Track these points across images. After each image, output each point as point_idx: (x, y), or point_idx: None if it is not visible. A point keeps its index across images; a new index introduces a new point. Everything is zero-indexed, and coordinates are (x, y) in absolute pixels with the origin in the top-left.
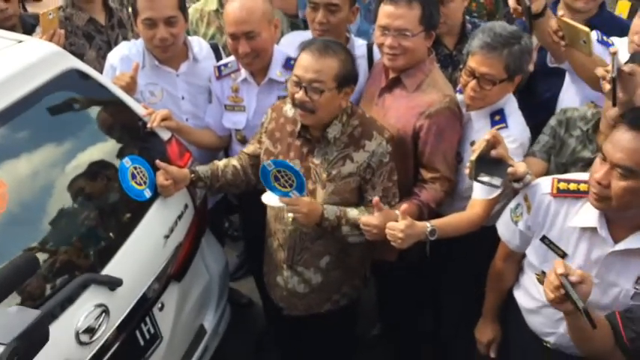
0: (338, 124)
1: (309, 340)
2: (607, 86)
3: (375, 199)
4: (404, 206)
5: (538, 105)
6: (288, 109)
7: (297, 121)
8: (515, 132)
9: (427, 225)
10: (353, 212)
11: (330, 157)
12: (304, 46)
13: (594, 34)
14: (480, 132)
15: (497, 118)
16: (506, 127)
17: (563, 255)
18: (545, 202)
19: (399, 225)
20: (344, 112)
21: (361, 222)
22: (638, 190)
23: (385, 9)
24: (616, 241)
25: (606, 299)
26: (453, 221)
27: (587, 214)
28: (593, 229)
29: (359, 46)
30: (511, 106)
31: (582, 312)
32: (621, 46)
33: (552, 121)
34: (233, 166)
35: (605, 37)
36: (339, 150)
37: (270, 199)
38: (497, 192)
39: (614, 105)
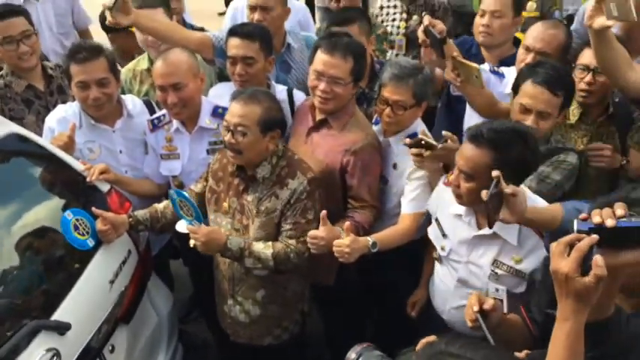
0: (267, 165)
1: None
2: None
3: (323, 213)
4: (347, 223)
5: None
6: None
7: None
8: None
9: (368, 239)
10: (258, 245)
11: (260, 195)
12: (235, 95)
13: (487, 66)
14: (400, 155)
15: None
16: None
17: (444, 235)
18: (440, 190)
19: (344, 241)
20: (274, 154)
21: (309, 235)
22: (478, 190)
23: (322, 57)
24: (480, 227)
25: (473, 278)
26: (389, 234)
27: (457, 205)
28: (461, 216)
29: (280, 91)
30: (422, 129)
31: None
32: (512, 75)
33: None
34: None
35: (496, 68)
36: (268, 188)
37: (181, 226)
38: (424, 208)
39: (490, 226)
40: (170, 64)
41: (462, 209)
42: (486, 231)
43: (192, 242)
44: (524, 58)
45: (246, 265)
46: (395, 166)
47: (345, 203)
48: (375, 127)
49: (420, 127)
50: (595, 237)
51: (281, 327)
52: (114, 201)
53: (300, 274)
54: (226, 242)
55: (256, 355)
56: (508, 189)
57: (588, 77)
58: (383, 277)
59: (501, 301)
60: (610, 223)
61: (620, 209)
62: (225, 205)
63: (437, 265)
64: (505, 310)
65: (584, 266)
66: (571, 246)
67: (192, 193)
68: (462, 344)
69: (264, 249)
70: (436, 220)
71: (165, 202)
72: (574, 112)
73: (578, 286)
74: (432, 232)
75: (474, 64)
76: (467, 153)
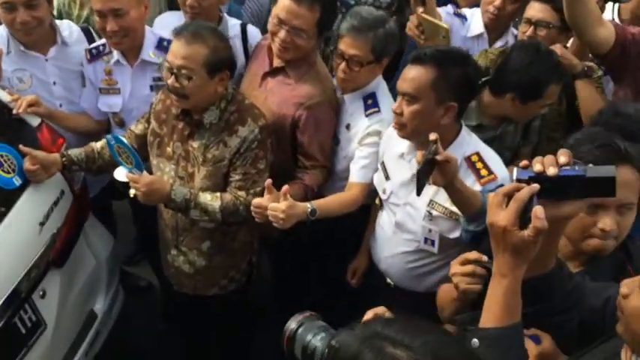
0: (215, 110)
1: (204, 318)
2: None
3: (268, 181)
4: (285, 187)
5: None
6: None
7: None
8: (387, 115)
9: (308, 205)
10: (205, 197)
11: (206, 142)
12: (176, 32)
13: (450, 8)
14: (354, 115)
15: (370, 102)
16: (379, 111)
17: (387, 177)
18: (389, 132)
19: (280, 206)
20: (223, 98)
21: (253, 203)
22: (421, 113)
23: (286, 3)
24: None
25: (409, 221)
26: (332, 202)
27: (403, 143)
28: (403, 155)
29: (232, 25)
30: (382, 90)
31: None
32: (474, 16)
33: None
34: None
35: (458, 10)
36: (215, 135)
37: (119, 174)
38: (371, 178)
39: (418, 193)
40: None
41: (404, 147)
42: None
43: (132, 192)
44: (491, 0)
45: (192, 217)
46: (348, 126)
47: (295, 159)
48: (333, 80)
49: (380, 86)
50: (535, 186)
51: (227, 277)
52: (45, 137)
53: (249, 225)
54: (170, 192)
55: (201, 302)
56: (441, 156)
57: (530, 31)
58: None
59: (433, 242)
60: (552, 171)
61: (563, 156)
62: (169, 150)
63: (379, 213)
64: (436, 251)
65: (524, 218)
66: (509, 197)
67: (132, 134)
68: (399, 327)
69: (212, 201)
70: (382, 163)
71: (102, 141)
72: None
73: (515, 240)
74: (377, 177)
75: (443, 24)
76: (410, 74)
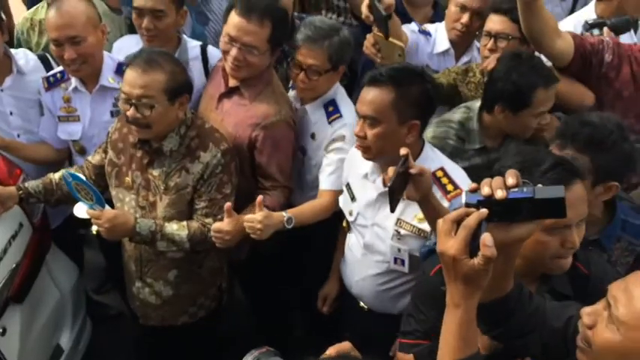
0: (175, 137)
1: (173, 349)
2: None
3: (228, 205)
4: (259, 197)
5: None
6: None
7: None
8: (350, 119)
9: (283, 214)
10: (171, 227)
11: (167, 170)
12: (130, 62)
13: (414, 26)
14: (318, 124)
15: (331, 109)
16: (341, 116)
17: (352, 197)
18: (352, 153)
19: (256, 216)
20: (182, 123)
21: (212, 229)
22: (385, 134)
23: (236, 20)
24: (385, 185)
25: (378, 242)
26: (306, 209)
27: (367, 163)
28: (367, 175)
29: (192, 47)
30: (341, 95)
31: None
32: (439, 32)
33: None
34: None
35: (423, 27)
36: (176, 162)
37: (79, 210)
38: (342, 185)
39: (392, 210)
40: (65, 14)
41: (368, 167)
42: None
43: (94, 228)
44: (458, 17)
45: (159, 249)
46: (313, 136)
47: (255, 181)
48: (291, 93)
49: (339, 92)
50: (484, 212)
51: (196, 305)
52: (1, 169)
53: (216, 250)
54: (135, 226)
55: (169, 332)
56: (415, 169)
57: (490, 43)
58: (298, 257)
59: (403, 262)
60: (500, 194)
61: (511, 178)
62: (128, 179)
63: (348, 235)
64: (406, 270)
65: (473, 245)
66: (458, 223)
67: (90, 165)
68: None
69: (179, 230)
70: (347, 185)
71: (61, 172)
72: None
73: (466, 269)
74: (342, 199)
75: (398, 43)
76: (368, 96)
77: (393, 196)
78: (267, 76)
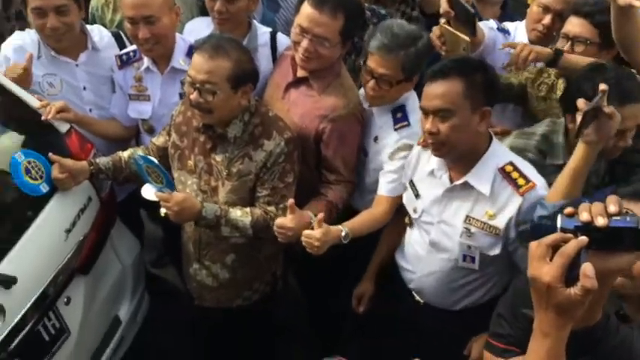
0: (238, 123)
1: (226, 330)
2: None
3: (291, 201)
4: (321, 215)
5: None
6: None
7: None
8: (417, 129)
9: (341, 229)
10: (235, 213)
11: (230, 156)
12: (198, 46)
13: (493, 23)
14: (383, 128)
15: (399, 115)
16: (409, 124)
17: (417, 195)
18: (415, 151)
19: (315, 233)
20: (246, 110)
21: (275, 224)
22: (460, 125)
23: (308, 11)
24: (452, 182)
25: (445, 239)
26: (363, 221)
27: (432, 160)
28: (433, 171)
29: (262, 33)
30: (412, 103)
31: None
32: (518, 30)
33: None
34: (142, 153)
35: (502, 25)
36: (240, 148)
37: (147, 192)
38: (402, 191)
39: (576, 137)
40: None
41: (434, 164)
42: (458, 182)
43: (162, 211)
44: (540, 17)
45: (223, 234)
46: (376, 139)
47: (319, 173)
48: (361, 91)
49: (410, 99)
50: (584, 240)
51: (251, 289)
52: (73, 143)
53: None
54: (201, 210)
55: (223, 314)
56: (608, 109)
57: (567, 46)
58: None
59: (473, 259)
60: (601, 222)
61: (613, 205)
62: (191, 163)
63: (408, 231)
64: (476, 267)
65: (570, 274)
66: (554, 248)
67: (154, 147)
68: None
69: (242, 217)
70: (410, 182)
71: (130, 151)
72: (560, 87)
73: (561, 298)
74: (406, 196)
75: (464, 36)
76: (437, 89)
77: (581, 126)
78: (337, 67)
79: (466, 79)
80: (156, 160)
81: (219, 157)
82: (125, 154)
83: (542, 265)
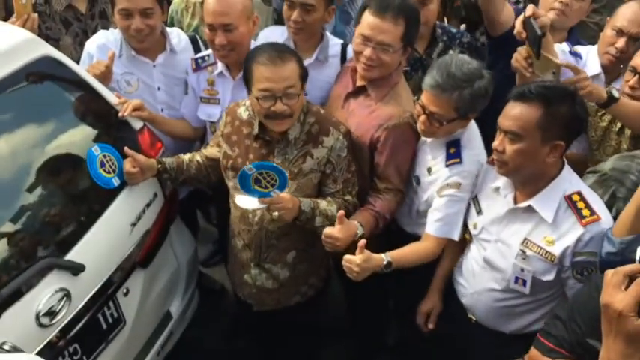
0: (297, 124)
1: (278, 330)
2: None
3: (340, 212)
4: (362, 241)
5: None
6: (243, 112)
7: (253, 124)
8: (469, 167)
9: (383, 257)
10: (323, 204)
11: (290, 157)
12: (258, 59)
13: (566, 47)
14: (436, 160)
15: (452, 151)
16: (461, 162)
17: (479, 211)
18: (484, 169)
19: (355, 259)
20: (301, 110)
21: (324, 233)
22: (526, 152)
23: (370, 20)
24: (516, 203)
25: (500, 258)
26: (408, 254)
27: (500, 177)
28: (498, 189)
29: (333, 45)
30: (468, 137)
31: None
32: (590, 54)
33: None
34: (197, 161)
35: (574, 49)
36: (299, 148)
37: (247, 202)
38: (451, 234)
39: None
40: (223, 2)
41: (501, 182)
42: (522, 204)
43: (275, 214)
44: (613, 41)
45: (316, 225)
46: (429, 171)
47: (372, 184)
48: None
49: (466, 132)
50: None
51: (307, 283)
52: (145, 140)
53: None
54: (300, 205)
55: (276, 315)
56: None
57: (633, 80)
58: None
59: (524, 282)
60: None
61: None
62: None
63: (468, 246)
64: (527, 291)
65: None
66: (631, 278)
67: (204, 156)
68: None
69: (328, 206)
70: (474, 198)
71: (189, 155)
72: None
73: (631, 327)
74: (468, 213)
75: (555, 59)
76: (514, 111)
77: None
78: (396, 77)
79: (546, 109)
80: (272, 163)
81: (278, 160)
82: (186, 158)
83: (616, 293)
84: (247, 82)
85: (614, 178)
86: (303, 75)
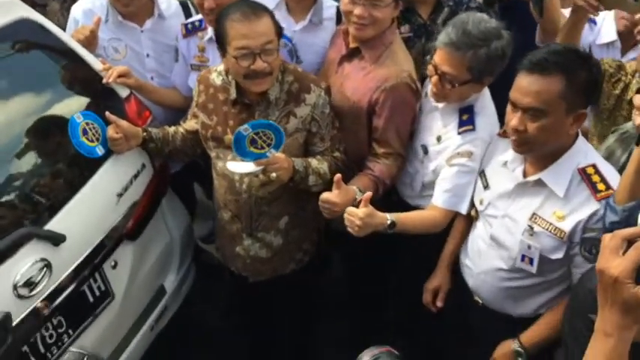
0: (276, 84)
1: (278, 302)
2: None
3: (337, 176)
4: (367, 194)
5: None
6: (216, 77)
7: (229, 89)
8: (482, 135)
9: (387, 217)
10: (314, 162)
11: (272, 118)
12: (231, 16)
13: None
14: (447, 128)
15: (465, 117)
16: (474, 129)
17: (485, 186)
18: (493, 141)
19: (358, 212)
20: (279, 70)
21: (320, 199)
22: (551, 127)
23: None
24: (525, 177)
25: (506, 235)
26: (413, 218)
27: (509, 151)
28: (506, 163)
29: (328, 7)
30: (482, 103)
31: None
32: (605, 20)
33: None
34: (181, 133)
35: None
36: (280, 109)
37: (240, 167)
38: (459, 207)
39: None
40: None
41: (509, 155)
42: (532, 178)
43: (273, 175)
44: None
45: (309, 184)
46: (439, 139)
47: (370, 148)
48: (429, 85)
49: (480, 99)
50: None
51: (302, 250)
52: (132, 108)
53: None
54: (293, 165)
55: (273, 287)
56: None
57: None
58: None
59: (531, 260)
60: None
61: None
62: (228, 137)
63: (474, 224)
64: (534, 270)
65: None
66: (630, 242)
67: (184, 130)
68: None
69: (319, 164)
70: (481, 172)
71: (174, 127)
72: (633, 88)
73: (627, 295)
74: (475, 187)
75: None
76: (533, 86)
77: None
78: (390, 35)
79: (567, 78)
80: (268, 120)
81: None
82: (171, 129)
83: (613, 258)
84: (221, 43)
85: (635, 136)
86: (279, 31)
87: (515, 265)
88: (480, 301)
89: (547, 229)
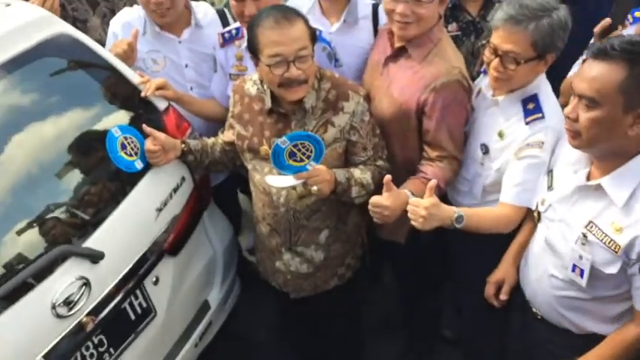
0: (312, 92)
1: (322, 319)
2: None
3: (387, 177)
4: (433, 181)
5: None
6: (250, 87)
7: (264, 98)
8: (553, 122)
9: (455, 210)
10: (356, 172)
11: (309, 127)
12: (263, 24)
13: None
14: (511, 121)
15: (531, 106)
16: (543, 117)
17: (550, 186)
18: (562, 138)
19: (423, 202)
20: (315, 76)
21: (370, 202)
22: (603, 121)
23: None
24: (589, 180)
25: (560, 241)
26: (484, 214)
27: (575, 151)
28: (572, 163)
29: (363, 5)
30: (545, 91)
31: None
32: None
33: None
34: (220, 144)
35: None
36: (317, 117)
37: (280, 181)
38: (531, 203)
39: None
40: None
41: (574, 155)
42: (592, 182)
43: (314, 189)
44: None
45: (352, 196)
46: (501, 134)
47: (421, 152)
48: (483, 81)
49: (542, 86)
50: None
51: (344, 265)
52: (170, 121)
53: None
54: (335, 177)
55: (316, 303)
56: None
57: None
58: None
59: (582, 272)
60: None
61: None
62: (265, 148)
63: (535, 228)
64: (583, 284)
65: None
66: None
67: (223, 142)
68: None
69: (362, 174)
70: (550, 171)
71: (213, 139)
72: None
73: None
74: (539, 185)
75: None
76: (592, 72)
77: None
78: (437, 33)
79: (631, 69)
80: (306, 131)
81: None
82: (210, 141)
83: None
84: (254, 51)
85: None
86: (313, 36)
87: (568, 275)
88: (539, 314)
89: (601, 240)
